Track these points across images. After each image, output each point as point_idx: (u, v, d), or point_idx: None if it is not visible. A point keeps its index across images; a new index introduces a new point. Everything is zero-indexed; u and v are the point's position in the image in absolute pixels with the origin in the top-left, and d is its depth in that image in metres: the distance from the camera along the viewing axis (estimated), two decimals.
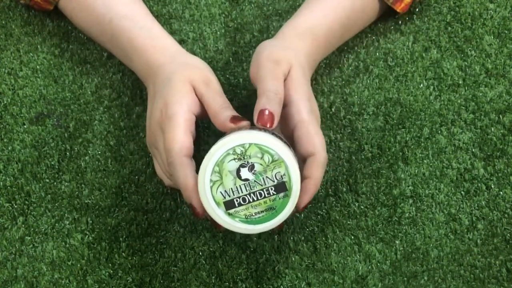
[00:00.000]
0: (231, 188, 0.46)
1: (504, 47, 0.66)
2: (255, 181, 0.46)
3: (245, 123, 0.49)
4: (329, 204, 0.57)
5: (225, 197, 0.46)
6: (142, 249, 0.56)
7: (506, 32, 0.67)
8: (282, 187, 0.46)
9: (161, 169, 0.54)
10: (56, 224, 0.57)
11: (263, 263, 0.55)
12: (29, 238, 0.56)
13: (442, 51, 0.66)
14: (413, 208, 0.57)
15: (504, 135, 0.60)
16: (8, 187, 0.59)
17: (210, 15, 0.69)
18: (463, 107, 0.62)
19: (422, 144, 0.60)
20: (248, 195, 0.46)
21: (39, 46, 0.68)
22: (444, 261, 0.54)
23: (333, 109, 0.63)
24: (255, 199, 0.46)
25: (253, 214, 0.46)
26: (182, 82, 0.51)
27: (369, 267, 0.54)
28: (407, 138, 0.61)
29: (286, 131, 0.52)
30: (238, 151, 0.46)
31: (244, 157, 0.46)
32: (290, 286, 0.54)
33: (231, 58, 0.66)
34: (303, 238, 0.56)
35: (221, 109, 0.50)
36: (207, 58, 0.67)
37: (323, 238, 0.56)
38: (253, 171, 0.46)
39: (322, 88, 0.64)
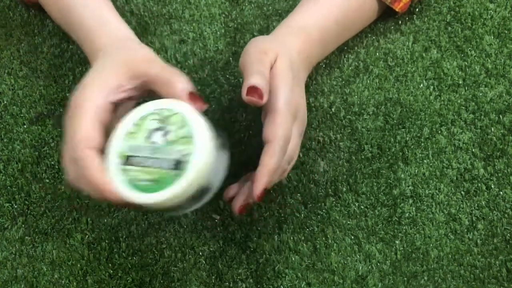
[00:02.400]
0: (139, 145, 0.44)
1: (504, 47, 0.66)
2: (160, 147, 0.44)
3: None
4: (329, 204, 0.57)
5: (129, 152, 0.44)
6: (142, 249, 0.56)
7: (506, 32, 0.67)
8: (179, 165, 0.43)
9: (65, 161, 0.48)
10: (56, 224, 0.57)
11: (263, 263, 0.55)
12: (29, 238, 0.56)
13: (442, 51, 0.66)
14: (413, 208, 0.57)
15: (504, 135, 0.60)
16: (8, 187, 0.59)
17: (210, 15, 0.69)
18: (463, 107, 0.62)
19: (422, 144, 0.60)
20: (147, 158, 0.44)
21: (39, 46, 0.68)
22: (444, 261, 0.54)
23: (333, 109, 0.63)
24: (151, 165, 0.44)
25: (142, 179, 0.43)
26: (109, 65, 0.48)
27: (369, 267, 0.54)
28: (407, 138, 0.61)
29: (264, 119, 0.51)
30: (165, 113, 0.44)
31: (165, 122, 0.44)
32: (290, 286, 0.54)
33: (231, 58, 0.66)
34: (303, 238, 0.56)
35: (174, 75, 0.46)
36: (207, 58, 0.67)
37: (323, 238, 0.56)
38: (164, 138, 0.44)
39: (322, 88, 0.64)
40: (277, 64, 0.51)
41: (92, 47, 0.54)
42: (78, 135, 0.44)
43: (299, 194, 0.58)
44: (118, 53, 0.50)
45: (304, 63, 0.57)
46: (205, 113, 0.49)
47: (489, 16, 0.68)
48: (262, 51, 0.51)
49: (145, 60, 0.49)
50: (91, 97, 0.45)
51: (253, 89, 0.47)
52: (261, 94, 0.47)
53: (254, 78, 0.47)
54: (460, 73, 0.64)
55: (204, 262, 0.55)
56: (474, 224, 0.56)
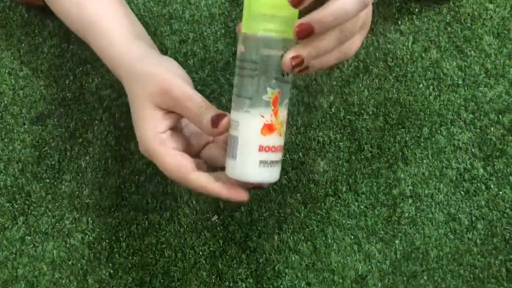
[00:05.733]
0: None
1: (504, 47, 0.66)
2: None
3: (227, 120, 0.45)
4: (329, 204, 0.58)
5: None
6: (143, 249, 0.56)
7: (506, 32, 0.67)
8: None
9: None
10: (57, 224, 0.57)
11: (263, 263, 0.55)
12: (30, 238, 0.57)
13: (442, 51, 0.66)
14: (413, 208, 0.57)
15: (504, 135, 0.60)
16: (9, 187, 0.59)
17: (210, 15, 0.69)
18: (463, 107, 0.62)
19: (422, 144, 0.60)
20: None
21: (39, 47, 0.68)
22: (444, 261, 0.54)
23: (333, 109, 0.63)
24: None
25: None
26: (143, 107, 0.48)
27: (369, 267, 0.54)
28: (407, 138, 0.61)
29: None
30: None
31: None
32: (290, 285, 0.54)
33: (231, 58, 0.67)
34: (303, 237, 0.56)
35: (199, 113, 0.45)
36: (207, 58, 0.67)
37: (323, 238, 0.56)
38: None
39: (322, 88, 0.64)
40: None
41: (114, 72, 0.53)
42: (173, 173, 0.45)
43: (299, 194, 0.58)
44: (138, 93, 0.49)
45: None
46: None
47: (489, 16, 0.68)
48: None
49: (161, 94, 0.48)
50: (157, 146, 0.46)
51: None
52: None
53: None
54: (459, 73, 0.64)
55: (204, 262, 0.55)
56: (473, 224, 0.56)
